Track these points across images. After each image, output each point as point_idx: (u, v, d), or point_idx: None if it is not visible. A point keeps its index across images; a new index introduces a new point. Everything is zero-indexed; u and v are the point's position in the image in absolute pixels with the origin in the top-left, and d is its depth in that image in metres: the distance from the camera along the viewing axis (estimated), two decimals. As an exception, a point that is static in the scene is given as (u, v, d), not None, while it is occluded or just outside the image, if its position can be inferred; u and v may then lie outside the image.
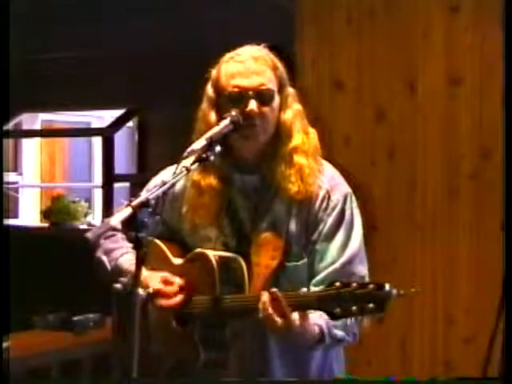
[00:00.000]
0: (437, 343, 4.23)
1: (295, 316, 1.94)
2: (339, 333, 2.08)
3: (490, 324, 3.59)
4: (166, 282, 2.16)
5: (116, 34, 5.90)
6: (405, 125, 4.34)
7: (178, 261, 2.25)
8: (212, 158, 2.05)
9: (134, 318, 1.91)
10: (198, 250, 2.20)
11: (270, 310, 1.94)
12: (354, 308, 1.82)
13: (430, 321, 4.25)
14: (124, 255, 2.29)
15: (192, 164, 2.03)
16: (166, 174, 2.30)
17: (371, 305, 1.81)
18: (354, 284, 1.85)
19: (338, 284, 1.87)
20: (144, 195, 2.09)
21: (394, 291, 1.81)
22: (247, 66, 2.16)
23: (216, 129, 2.08)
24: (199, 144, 2.05)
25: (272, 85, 2.16)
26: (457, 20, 4.20)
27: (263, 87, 2.14)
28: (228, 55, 2.21)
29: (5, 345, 3.65)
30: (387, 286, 1.81)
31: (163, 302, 2.14)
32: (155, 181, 2.34)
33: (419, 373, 4.21)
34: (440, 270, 4.23)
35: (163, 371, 2.23)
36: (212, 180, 2.20)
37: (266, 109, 2.15)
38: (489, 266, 4.04)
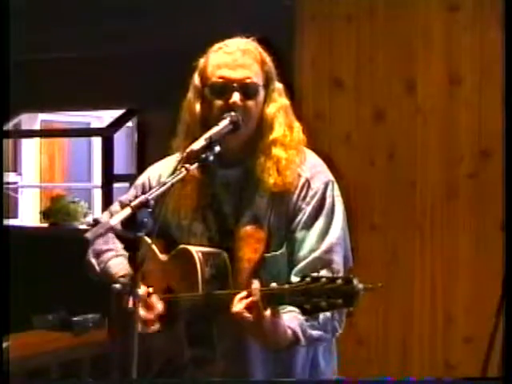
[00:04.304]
0: (437, 343, 4.23)
1: (267, 313, 1.93)
2: (315, 333, 2.07)
3: (490, 324, 3.59)
4: (148, 307, 2.16)
5: (116, 34, 5.90)
6: (404, 125, 4.34)
7: (164, 257, 2.26)
8: (211, 158, 2.05)
9: (134, 318, 1.91)
10: (182, 246, 2.20)
11: (242, 306, 1.94)
12: (324, 303, 1.81)
13: (429, 321, 4.25)
14: (113, 259, 2.30)
15: (191, 164, 2.02)
16: (153, 171, 2.32)
17: (340, 300, 1.80)
18: (324, 279, 1.83)
19: (308, 279, 1.85)
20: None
21: (361, 286, 1.80)
22: (234, 57, 2.16)
23: (215, 129, 2.08)
24: (198, 144, 2.05)
25: (257, 79, 2.16)
26: (457, 20, 4.20)
27: (248, 80, 2.14)
28: (217, 45, 2.21)
29: (5, 345, 3.65)
30: (355, 281, 1.80)
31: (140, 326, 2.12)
32: (143, 177, 2.36)
33: (419, 372, 4.21)
34: (440, 269, 4.23)
35: (155, 368, 2.23)
36: (196, 171, 2.19)
37: (249, 102, 2.14)
38: (489, 266, 4.04)
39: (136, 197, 2.22)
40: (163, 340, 2.21)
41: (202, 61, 2.22)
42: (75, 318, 4.19)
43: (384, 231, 4.36)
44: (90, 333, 4.15)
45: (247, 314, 1.93)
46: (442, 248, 4.23)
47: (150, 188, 2.26)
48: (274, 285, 1.96)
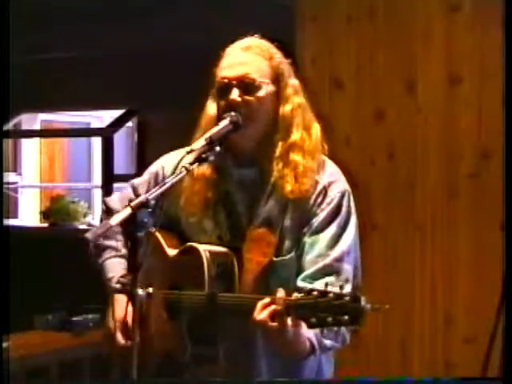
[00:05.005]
0: (437, 343, 4.23)
1: (289, 322, 1.92)
2: (329, 342, 2.07)
3: (490, 324, 3.59)
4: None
5: (116, 34, 5.90)
6: (405, 125, 4.34)
7: (172, 252, 2.26)
8: (211, 158, 2.05)
9: (134, 317, 1.91)
10: (190, 243, 2.20)
11: (266, 314, 1.93)
12: (330, 319, 1.81)
13: (429, 321, 4.25)
14: (110, 259, 2.31)
15: (191, 164, 2.03)
16: (168, 160, 2.32)
17: (346, 317, 1.80)
18: (331, 294, 1.82)
19: (315, 293, 1.85)
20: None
21: (369, 306, 1.80)
22: (236, 56, 2.17)
23: (215, 129, 2.09)
24: (198, 144, 2.05)
25: (259, 74, 2.15)
26: (457, 20, 4.20)
27: (247, 76, 2.14)
28: (227, 49, 2.22)
29: (5, 345, 3.65)
30: (362, 301, 1.80)
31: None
32: (156, 165, 2.36)
33: (419, 373, 4.20)
34: (440, 269, 4.22)
35: (154, 364, 2.23)
36: (205, 169, 2.19)
37: (250, 98, 2.13)
38: (489, 266, 4.03)
39: (149, 183, 2.28)
40: (164, 336, 2.21)
41: (217, 67, 2.22)
42: (75, 318, 4.20)
43: (384, 231, 4.35)
44: (90, 333, 4.15)
45: (272, 323, 1.92)
46: (442, 248, 4.22)
47: (163, 177, 2.26)
48: (280, 294, 1.95)
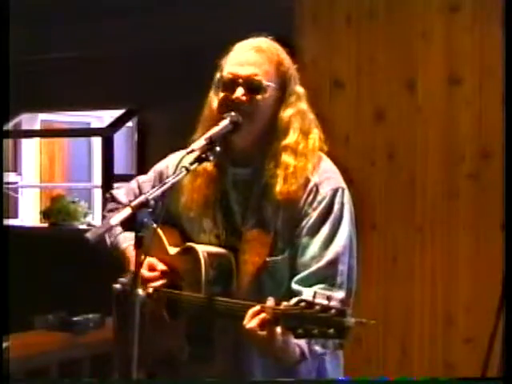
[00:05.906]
0: (437, 343, 4.23)
1: (277, 331, 1.92)
2: (319, 349, 2.05)
3: (490, 324, 3.59)
4: (150, 268, 2.20)
5: (116, 33, 5.90)
6: (404, 125, 4.34)
7: (173, 250, 2.27)
8: (211, 158, 2.05)
9: (134, 318, 1.91)
10: (189, 244, 2.21)
11: (255, 322, 1.93)
12: (316, 331, 1.81)
13: (429, 321, 4.25)
14: (123, 232, 2.30)
15: (191, 164, 2.02)
16: (173, 160, 2.29)
17: (331, 330, 1.79)
18: (318, 307, 1.82)
19: (302, 304, 1.84)
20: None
21: (353, 320, 1.79)
22: (247, 55, 2.17)
23: (215, 129, 2.08)
24: (198, 144, 2.05)
25: (267, 77, 2.15)
26: (457, 20, 4.20)
27: (254, 77, 2.13)
28: (237, 44, 2.22)
29: (5, 345, 3.65)
30: (348, 315, 1.79)
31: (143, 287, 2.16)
32: (162, 165, 2.37)
33: (419, 373, 4.21)
34: (440, 270, 4.23)
35: (152, 360, 2.23)
36: (208, 165, 2.19)
37: (254, 99, 2.13)
38: (489, 266, 4.04)
39: (154, 182, 2.31)
40: (163, 334, 2.21)
41: (223, 60, 2.22)
42: (75, 318, 4.20)
43: (384, 231, 4.36)
44: (90, 333, 4.15)
45: (261, 332, 1.92)
46: (442, 248, 4.23)
47: (167, 177, 2.26)
48: (270, 303, 1.94)
